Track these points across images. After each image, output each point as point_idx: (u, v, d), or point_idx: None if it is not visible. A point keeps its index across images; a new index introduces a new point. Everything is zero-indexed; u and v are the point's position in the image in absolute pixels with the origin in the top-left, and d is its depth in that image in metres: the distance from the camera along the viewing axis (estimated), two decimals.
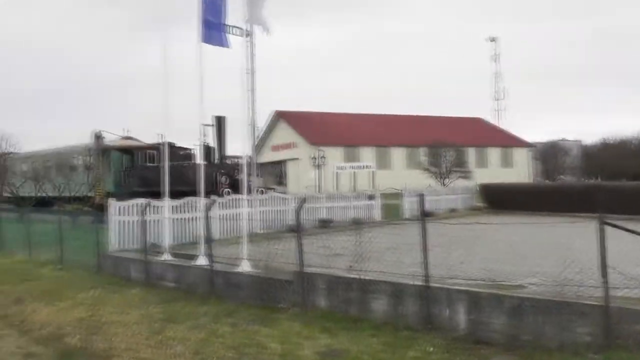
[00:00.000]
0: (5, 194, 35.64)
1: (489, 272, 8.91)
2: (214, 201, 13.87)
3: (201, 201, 12.31)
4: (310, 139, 47.27)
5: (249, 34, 13.15)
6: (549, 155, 63.58)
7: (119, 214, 13.55)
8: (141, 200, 13.63)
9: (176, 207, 14.17)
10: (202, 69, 12.25)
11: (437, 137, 44.49)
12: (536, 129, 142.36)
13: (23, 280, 12.67)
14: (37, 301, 10.50)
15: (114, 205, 13.64)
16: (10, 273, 13.68)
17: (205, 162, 16.61)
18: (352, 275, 8.72)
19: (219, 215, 15.22)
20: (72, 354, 7.30)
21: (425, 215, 8.35)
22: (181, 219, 14.35)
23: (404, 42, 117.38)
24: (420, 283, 7.81)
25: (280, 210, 18.09)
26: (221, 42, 12.69)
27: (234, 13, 13.89)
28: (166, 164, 12.69)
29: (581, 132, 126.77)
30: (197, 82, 12.37)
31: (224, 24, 13.27)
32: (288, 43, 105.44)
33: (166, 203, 12.64)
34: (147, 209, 12.78)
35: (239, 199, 16.09)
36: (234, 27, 16.61)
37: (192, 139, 32.90)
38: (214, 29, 12.60)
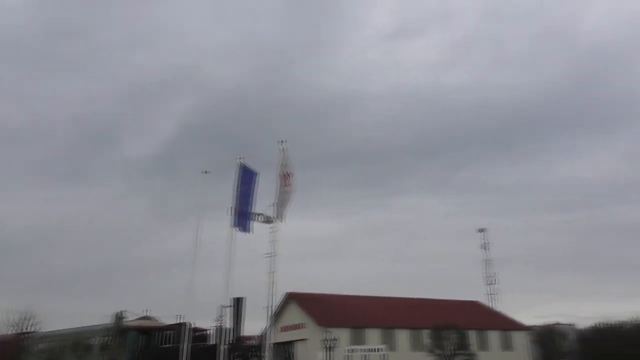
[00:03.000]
0: None
1: None
2: None
3: None
4: (319, 321, 45.11)
5: (272, 221, 13.03)
6: (547, 339, 60.22)
7: None
8: None
9: None
10: (231, 252, 11.85)
11: (439, 320, 42.70)
12: (531, 313, 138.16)
13: None
14: None
15: None
16: None
17: (217, 344, 15.36)
18: None
19: None
20: None
21: None
22: None
23: (399, 230, 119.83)
24: None
25: None
26: (246, 228, 12.66)
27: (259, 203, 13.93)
28: (185, 346, 11.59)
29: (574, 315, 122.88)
30: (225, 265, 11.88)
31: (251, 212, 13.28)
32: (299, 232, 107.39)
33: None
34: None
35: None
36: (260, 214, 16.67)
37: (209, 319, 31.41)
38: (242, 216, 12.57)
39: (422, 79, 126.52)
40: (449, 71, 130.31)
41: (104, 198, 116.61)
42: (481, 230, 71.33)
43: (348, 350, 34.36)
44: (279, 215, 12.99)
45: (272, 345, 20.53)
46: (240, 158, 13.15)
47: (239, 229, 12.67)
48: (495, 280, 69.09)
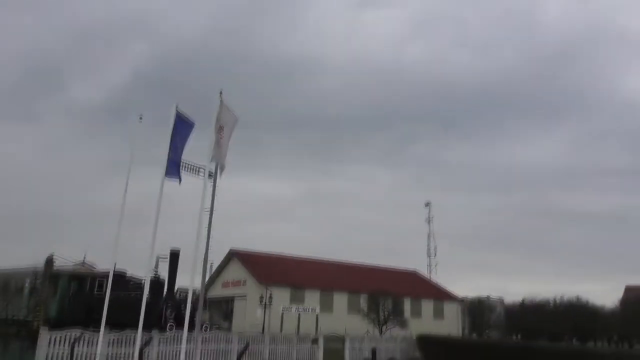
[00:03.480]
0: None
1: None
2: (151, 337, 12.08)
3: (139, 336, 10.62)
4: (259, 278, 45.25)
5: (211, 174, 12.53)
6: (476, 310, 63.03)
7: (50, 344, 11.53)
8: (75, 331, 11.72)
9: (113, 340, 12.26)
10: (160, 201, 11.38)
11: (376, 286, 43.70)
12: (465, 285, 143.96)
13: None
14: None
15: (44, 334, 11.65)
16: None
17: (150, 295, 14.87)
18: None
19: (158, 353, 13.31)
20: None
21: None
22: (116, 354, 12.33)
23: (348, 199, 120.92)
24: None
25: (222, 350, 16.09)
26: (178, 177, 12.31)
27: (199, 155, 13.43)
28: (108, 293, 11.15)
29: (504, 291, 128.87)
30: (155, 217, 11.44)
31: (183, 162, 12.84)
32: (248, 192, 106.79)
33: (101, 338, 10.83)
34: (79, 342, 10.90)
35: (180, 335, 14.23)
36: (199, 167, 16.13)
37: (147, 270, 30.73)
38: (175, 166, 12.10)
39: (383, 51, 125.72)
40: (410, 46, 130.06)
41: (46, 140, 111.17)
42: (427, 204, 72.88)
43: (283, 308, 34.88)
44: (216, 170, 12.51)
45: (197, 297, 20.23)
46: (176, 106, 12.47)
47: (175, 180, 12.20)
48: (435, 253, 71.05)
